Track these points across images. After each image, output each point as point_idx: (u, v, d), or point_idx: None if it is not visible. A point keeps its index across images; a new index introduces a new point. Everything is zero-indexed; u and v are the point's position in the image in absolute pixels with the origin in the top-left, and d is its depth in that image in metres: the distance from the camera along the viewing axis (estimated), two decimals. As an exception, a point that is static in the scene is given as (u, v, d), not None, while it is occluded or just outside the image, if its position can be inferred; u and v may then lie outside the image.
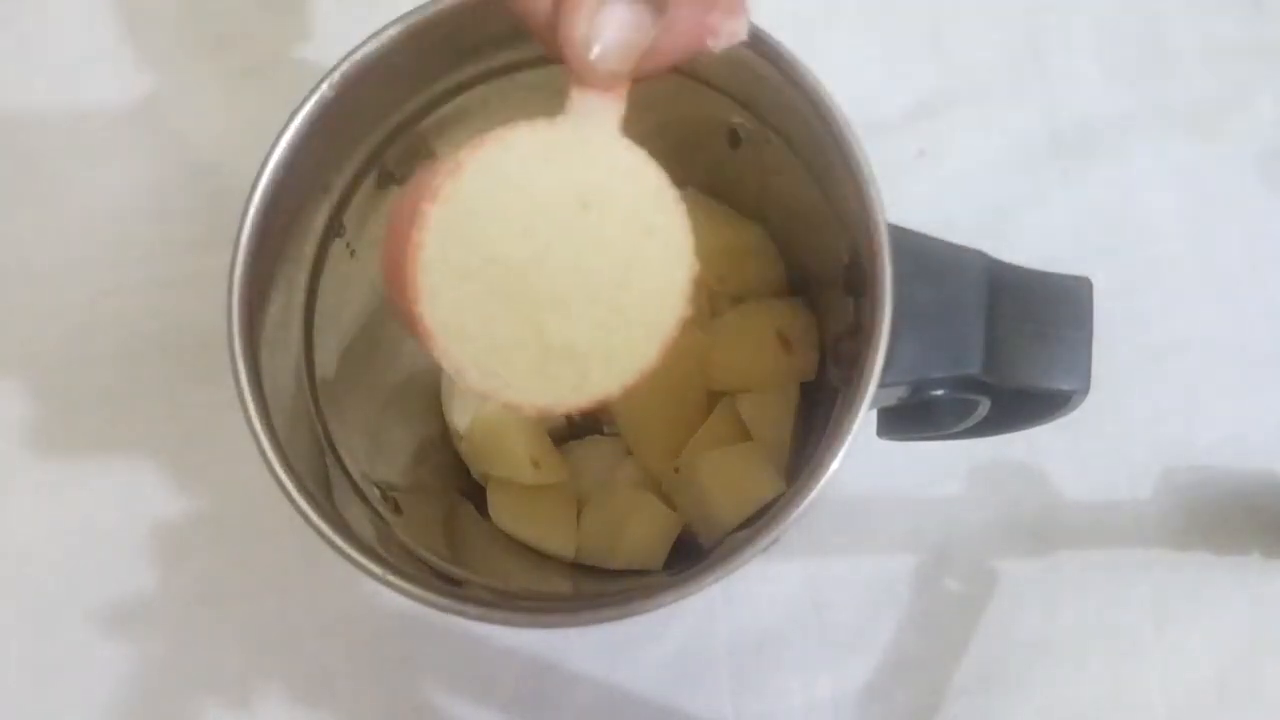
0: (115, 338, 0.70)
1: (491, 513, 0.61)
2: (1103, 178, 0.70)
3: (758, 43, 0.47)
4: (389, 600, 0.62)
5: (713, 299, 0.62)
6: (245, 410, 0.48)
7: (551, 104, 0.55)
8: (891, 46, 0.72)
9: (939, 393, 0.49)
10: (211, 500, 0.68)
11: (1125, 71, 0.71)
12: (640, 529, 0.59)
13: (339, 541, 0.46)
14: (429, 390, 0.63)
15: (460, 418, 0.61)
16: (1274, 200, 0.69)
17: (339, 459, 0.53)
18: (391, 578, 0.46)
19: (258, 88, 0.72)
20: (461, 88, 0.54)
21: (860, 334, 0.47)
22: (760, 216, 0.61)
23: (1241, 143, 0.70)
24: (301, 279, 0.53)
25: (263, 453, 0.47)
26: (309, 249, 0.53)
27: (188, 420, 0.68)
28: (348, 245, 0.54)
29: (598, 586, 0.59)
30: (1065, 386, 0.48)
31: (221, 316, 0.65)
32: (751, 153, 0.55)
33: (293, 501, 0.46)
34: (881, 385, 0.45)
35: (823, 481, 0.44)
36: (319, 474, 0.50)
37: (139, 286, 0.70)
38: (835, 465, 0.44)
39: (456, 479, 0.63)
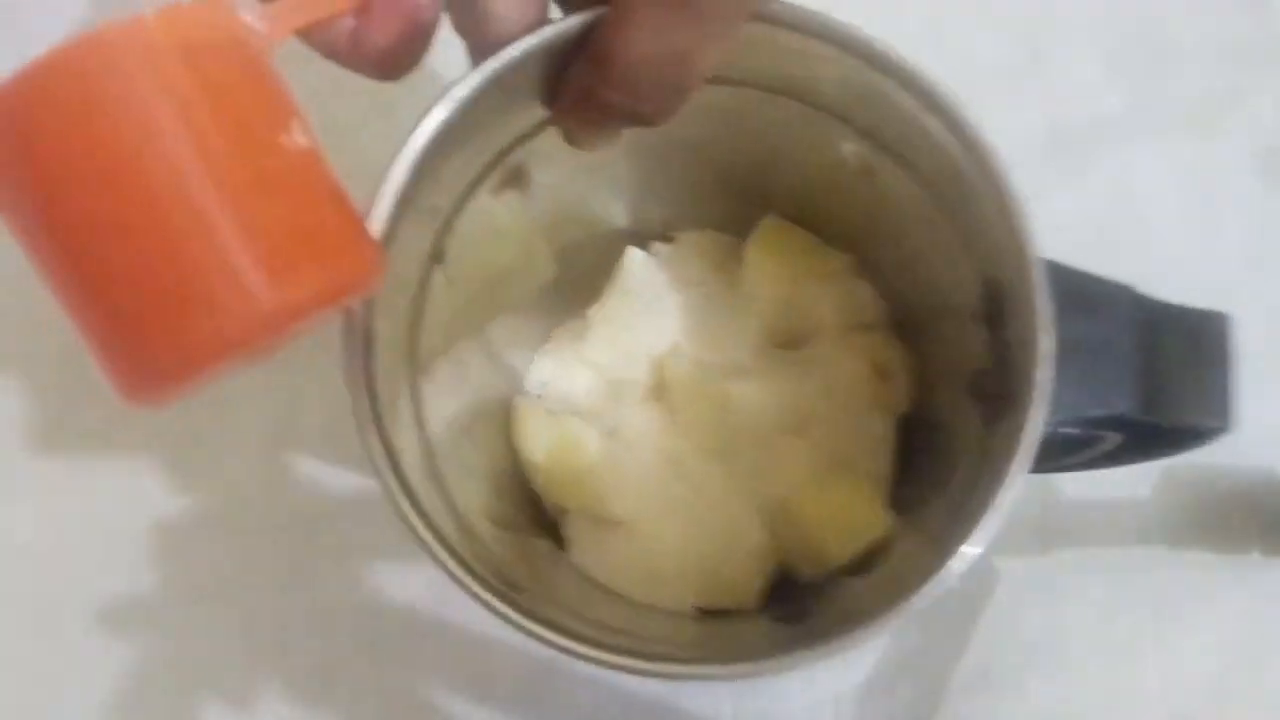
0: None
1: (570, 552, 0.59)
2: (1102, 176, 0.70)
3: (895, 69, 0.46)
4: (389, 598, 0.63)
5: (800, 329, 0.60)
6: (369, 449, 0.46)
7: (647, 133, 0.54)
8: (888, 41, 0.70)
9: (1074, 431, 0.48)
10: (211, 498, 0.67)
11: (1125, 69, 0.71)
12: (735, 566, 0.58)
13: (481, 592, 0.45)
14: (499, 419, 0.61)
15: (534, 449, 0.59)
16: (1274, 199, 0.70)
17: (448, 496, 0.51)
18: (535, 627, 0.44)
19: None
20: None
21: (1007, 371, 0.46)
22: (850, 245, 0.60)
23: (1242, 141, 0.71)
24: (403, 303, 0.50)
25: (390, 494, 0.46)
26: (414, 274, 0.51)
27: (188, 418, 0.68)
28: (445, 271, 0.52)
29: (697, 628, 0.57)
30: (1214, 424, 0.49)
31: None
32: (858, 181, 0.54)
33: (431, 552, 0.46)
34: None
35: (992, 531, 0.43)
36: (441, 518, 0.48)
37: None
38: (1003, 513, 0.43)
39: (535, 514, 0.61)
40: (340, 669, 0.65)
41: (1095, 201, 0.69)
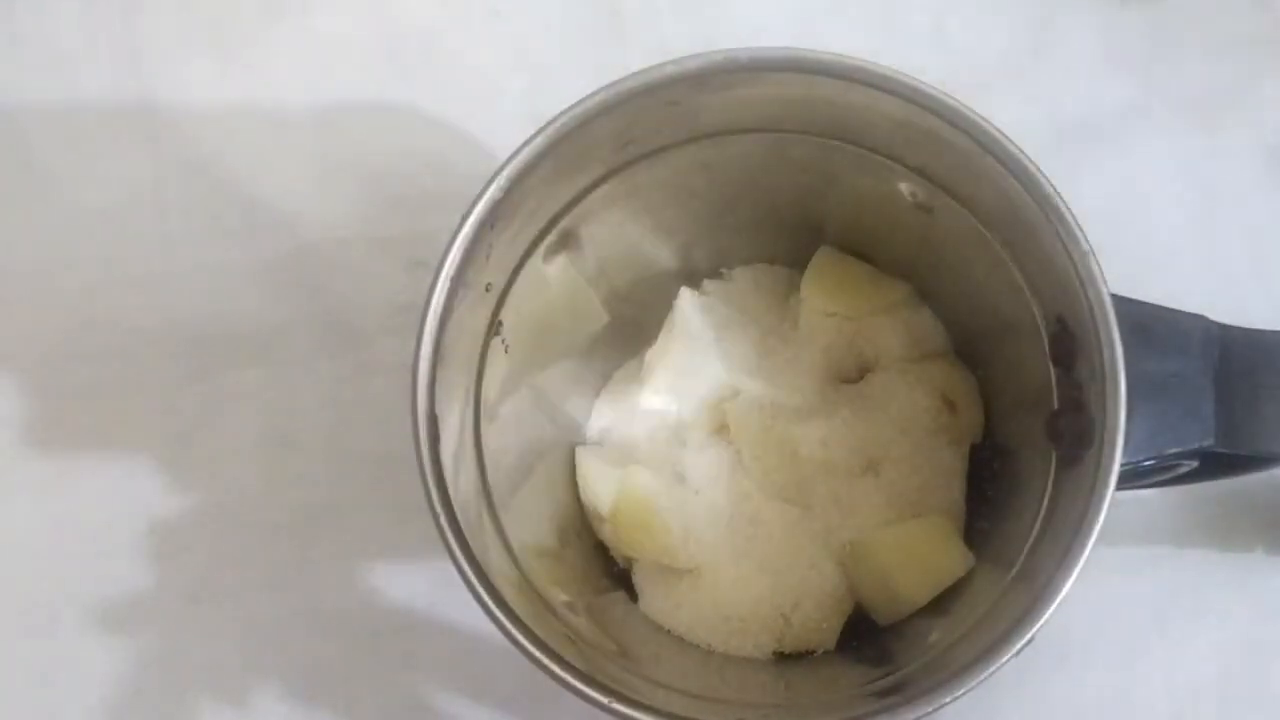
0: (110, 333, 0.68)
1: (642, 603, 0.59)
2: (1106, 170, 0.69)
3: (949, 113, 0.45)
4: (387, 597, 0.63)
5: (861, 361, 0.60)
6: (444, 537, 0.45)
7: (695, 180, 0.54)
8: (893, 37, 0.71)
9: (1150, 462, 0.48)
10: (207, 497, 0.67)
11: (1129, 63, 0.70)
12: (812, 610, 0.57)
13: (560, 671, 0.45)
14: (560, 470, 0.61)
15: (602, 498, 0.59)
16: (1279, 193, 0.69)
17: (515, 560, 0.51)
18: (619, 706, 0.44)
19: (255, 81, 0.71)
20: (612, 173, 0.52)
21: (1080, 411, 0.46)
22: (906, 273, 0.59)
23: (1246, 135, 0.69)
24: (465, 380, 0.50)
25: (462, 572, 0.45)
26: (474, 349, 0.51)
27: (183, 416, 0.67)
28: (503, 341, 0.52)
29: (775, 673, 0.57)
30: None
31: (218, 312, 0.67)
32: (915, 214, 0.53)
33: (506, 631, 0.45)
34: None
35: (1075, 574, 0.43)
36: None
37: (134, 281, 0.69)
38: (1086, 555, 0.43)
39: (603, 565, 0.60)
40: (339, 669, 0.65)
41: (1098, 195, 0.68)
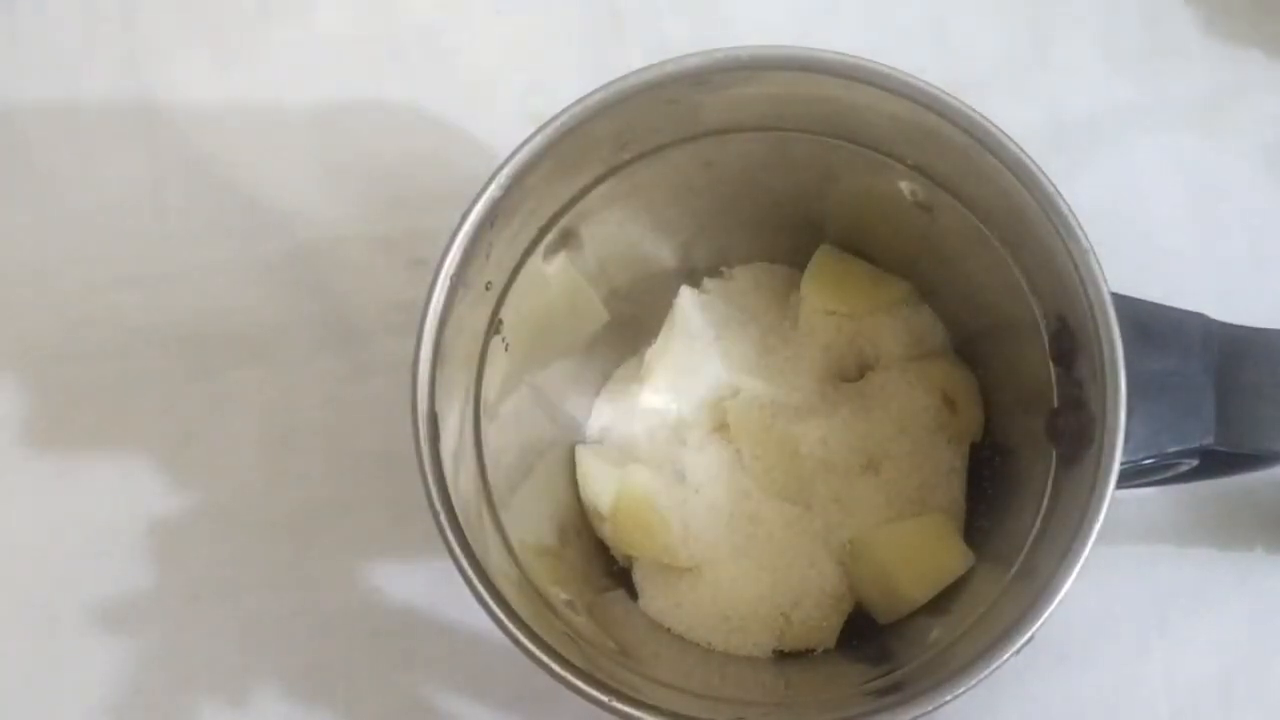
0: (110, 332, 0.68)
1: (642, 602, 0.59)
2: (1106, 170, 0.69)
3: (949, 112, 0.45)
4: (387, 597, 0.63)
5: (861, 360, 0.60)
6: (444, 536, 0.45)
7: (696, 178, 0.54)
8: (893, 37, 0.70)
9: (1149, 461, 0.48)
10: (207, 496, 0.66)
11: (1129, 62, 0.70)
12: (812, 608, 0.57)
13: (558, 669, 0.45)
14: (560, 469, 0.61)
15: (602, 497, 0.59)
16: (1278, 192, 0.69)
17: (515, 559, 0.51)
18: (619, 705, 0.44)
19: (255, 80, 0.71)
20: (612, 172, 0.52)
21: (1080, 410, 0.46)
22: (906, 271, 0.59)
23: (1247, 135, 0.69)
24: (465, 379, 0.50)
25: (462, 571, 0.45)
26: (474, 348, 0.51)
27: (183, 415, 0.67)
28: (503, 340, 0.52)
29: (775, 671, 0.57)
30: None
31: (218, 312, 0.67)
32: (914, 212, 0.53)
33: (506, 629, 0.45)
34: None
35: (1074, 574, 0.43)
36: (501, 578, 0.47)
37: (134, 281, 0.69)
38: (1086, 556, 0.43)
39: (603, 564, 0.60)
40: (339, 668, 0.65)
41: (1098, 195, 0.67)
